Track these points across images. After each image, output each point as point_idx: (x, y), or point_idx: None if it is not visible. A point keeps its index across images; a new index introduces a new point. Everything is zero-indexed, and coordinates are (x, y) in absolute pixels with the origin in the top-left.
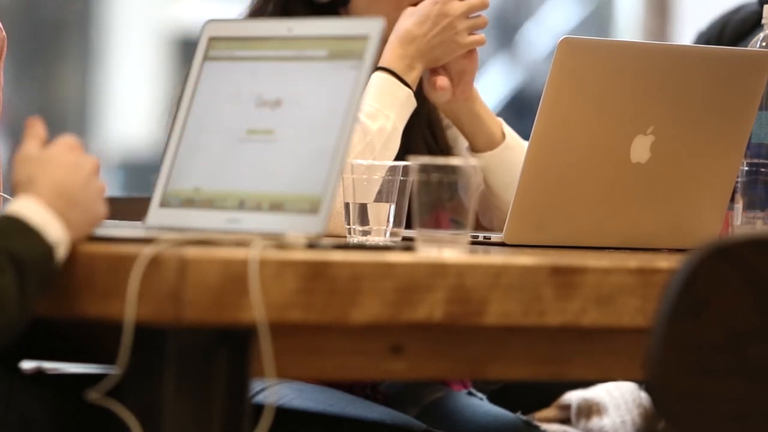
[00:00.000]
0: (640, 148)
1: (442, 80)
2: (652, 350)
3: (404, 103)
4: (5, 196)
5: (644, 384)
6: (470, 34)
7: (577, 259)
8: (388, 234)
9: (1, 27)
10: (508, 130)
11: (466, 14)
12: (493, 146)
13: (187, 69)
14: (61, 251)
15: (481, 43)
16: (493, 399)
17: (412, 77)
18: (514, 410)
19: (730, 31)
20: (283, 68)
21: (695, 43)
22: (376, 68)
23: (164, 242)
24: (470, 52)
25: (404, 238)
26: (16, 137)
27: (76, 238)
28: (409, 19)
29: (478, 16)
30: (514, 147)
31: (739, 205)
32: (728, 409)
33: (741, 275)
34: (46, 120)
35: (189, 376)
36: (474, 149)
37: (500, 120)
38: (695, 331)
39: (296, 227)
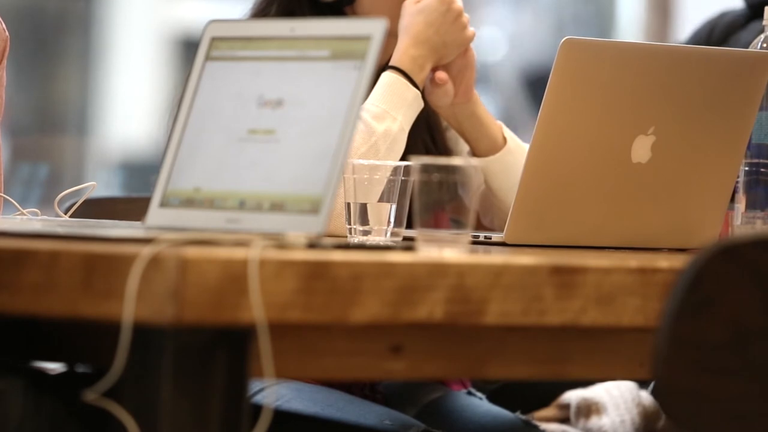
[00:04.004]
0: (641, 149)
1: (441, 72)
2: (657, 349)
3: (412, 104)
4: (5, 196)
5: (650, 383)
6: None
7: (577, 259)
8: (388, 234)
9: (5, 27)
10: (509, 134)
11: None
12: (495, 150)
13: (188, 69)
14: None
15: (474, 36)
16: (493, 398)
17: (422, 77)
18: (513, 410)
19: (718, 34)
20: (285, 68)
21: None
22: (388, 67)
23: (164, 242)
24: (466, 50)
25: (405, 238)
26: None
27: None
28: (417, 18)
29: None
30: (516, 150)
31: (739, 205)
32: (734, 408)
33: (747, 275)
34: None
35: (187, 376)
36: (476, 154)
37: (500, 123)
38: (701, 330)
39: (297, 227)
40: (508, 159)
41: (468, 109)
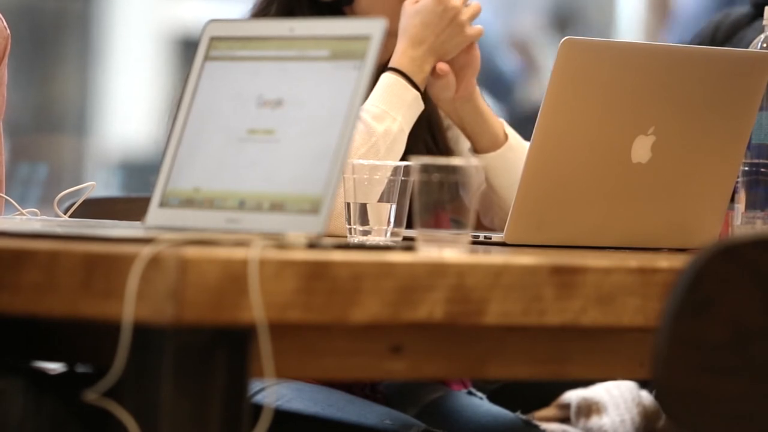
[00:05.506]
0: (641, 149)
1: (442, 63)
2: (658, 349)
3: (411, 105)
4: (4, 196)
5: (650, 383)
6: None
7: (577, 259)
8: (388, 234)
9: (6, 26)
10: (510, 131)
11: (464, 4)
12: (496, 147)
13: (187, 69)
14: None
15: (481, 33)
16: (493, 398)
17: (421, 78)
18: (513, 409)
19: (723, 33)
20: (285, 68)
21: None
22: (387, 68)
23: (164, 242)
24: (470, 46)
25: (405, 238)
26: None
27: None
28: (414, 19)
29: (469, 5)
30: (517, 148)
31: (739, 205)
32: (734, 408)
33: (747, 275)
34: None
35: (187, 376)
36: (477, 150)
37: (502, 120)
38: (701, 330)
39: (297, 227)
40: (509, 155)
41: (470, 104)
